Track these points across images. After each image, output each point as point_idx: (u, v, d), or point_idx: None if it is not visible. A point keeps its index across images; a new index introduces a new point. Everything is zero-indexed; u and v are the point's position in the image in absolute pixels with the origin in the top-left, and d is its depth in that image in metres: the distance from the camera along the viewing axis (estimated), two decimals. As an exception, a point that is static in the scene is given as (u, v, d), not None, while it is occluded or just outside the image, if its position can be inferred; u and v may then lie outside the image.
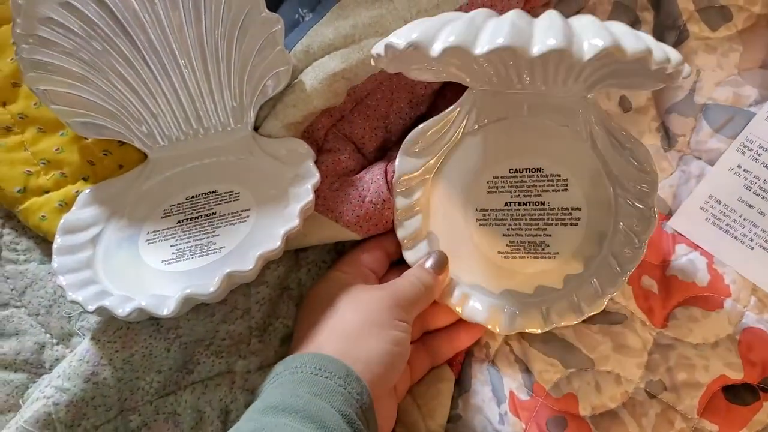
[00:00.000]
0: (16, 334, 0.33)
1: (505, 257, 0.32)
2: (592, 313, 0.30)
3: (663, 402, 0.32)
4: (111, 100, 0.33)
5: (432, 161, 0.33)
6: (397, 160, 0.32)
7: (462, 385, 0.32)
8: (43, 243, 0.35)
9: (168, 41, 0.32)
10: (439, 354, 0.33)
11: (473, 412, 0.32)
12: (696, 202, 0.34)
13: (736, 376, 0.32)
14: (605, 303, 0.30)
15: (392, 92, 0.35)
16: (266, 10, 0.31)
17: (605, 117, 0.32)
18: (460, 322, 0.32)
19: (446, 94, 0.37)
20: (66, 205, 0.34)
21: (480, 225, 0.32)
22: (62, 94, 0.32)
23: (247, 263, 0.28)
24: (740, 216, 0.34)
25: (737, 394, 0.32)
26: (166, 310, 0.27)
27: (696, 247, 0.34)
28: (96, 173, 0.35)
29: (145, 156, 0.35)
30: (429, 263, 0.31)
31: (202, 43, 0.33)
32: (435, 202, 0.33)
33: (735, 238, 0.33)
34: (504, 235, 0.32)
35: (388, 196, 0.32)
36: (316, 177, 0.31)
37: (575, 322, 0.30)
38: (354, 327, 0.28)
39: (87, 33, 0.31)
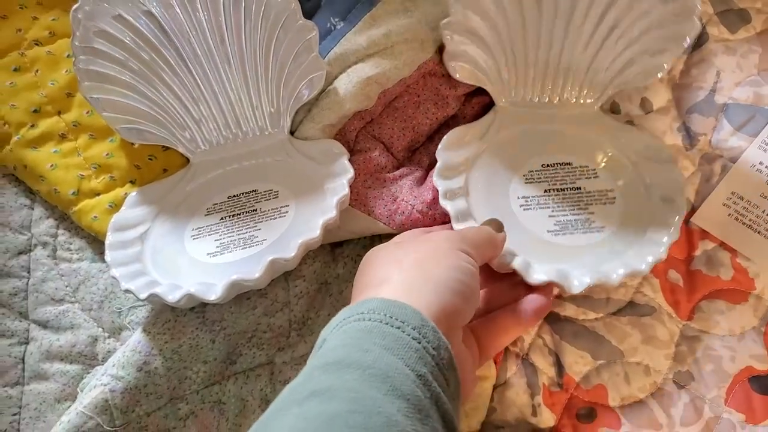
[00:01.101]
0: (71, 327, 0.35)
1: (555, 235, 0.33)
2: (649, 267, 0.31)
3: (691, 392, 0.33)
4: (157, 107, 0.35)
5: (469, 156, 0.35)
6: (437, 153, 0.34)
7: (498, 378, 0.33)
8: (95, 243, 0.37)
9: (210, 50, 0.35)
10: (504, 334, 0.29)
11: (507, 404, 0.33)
12: (719, 199, 0.35)
13: (762, 366, 0.33)
14: (664, 255, 0.31)
15: (419, 95, 0.37)
16: (302, 18, 0.33)
17: (615, 122, 0.36)
18: (524, 301, 0.30)
19: (471, 98, 0.38)
20: (115, 206, 0.36)
21: (524, 210, 0.34)
22: (113, 102, 0.35)
23: (288, 251, 0.30)
24: (763, 211, 0.35)
25: (763, 384, 0.33)
26: (213, 295, 0.29)
27: (720, 242, 0.35)
28: (142, 176, 0.37)
29: (188, 160, 0.37)
30: (492, 226, 0.30)
31: (241, 51, 0.35)
32: (475, 191, 0.34)
33: (758, 232, 0.34)
34: (550, 216, 0.34)
35: (419, 194, 0.34)
36: (350, 172, 0.33)
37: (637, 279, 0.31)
38: (419, 258, 0.25)
39: (136, 44, 0.33)
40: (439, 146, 0.34)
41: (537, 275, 0.30)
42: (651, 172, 0.34)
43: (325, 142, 0.35)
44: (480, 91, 0.38)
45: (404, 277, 0.24)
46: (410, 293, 0.23)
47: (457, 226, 0.32)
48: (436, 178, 0.33)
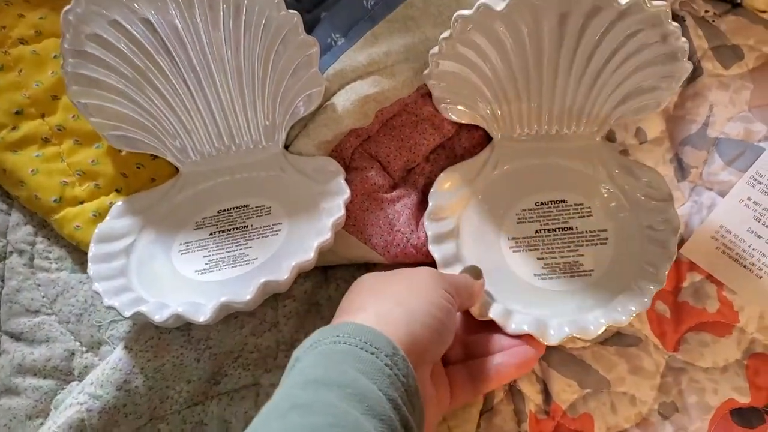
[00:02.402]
0: (47, 341, 0.34)
1: (542, 278, 0.33)
2: (631, 317, 0.31)
3: (675, 423, 0.33)
4: (147, 115, 0.34)
5: (463, 195, 0.35)
6: (430, 195, 0.34)
7: (485, 404, 0.33)
8: (75, 252, 0.36)
9: (206, 59, 0.34)
10: (483, 384, 0.29)
11: (494, 430, 0.33)
12: (707, 232, 0.36)
13: (744, 399, 0.33)
14: (648, 304, 0.31)
15: (417, 115, 0.37)
16: (304, 32, 0.32)
17: (617, 155, 0.36)
18: (507, 354, 0.30)
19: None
20: (100, 216, 0.35)
21: (513, 252, 0.34)
22: (101, 108, 0.34)
23: (281, 273, 0.29)
24: (750, 246, 0.35)
25: (744, 416, 0.33)
26: (202, 316, 0.28)
27: (707, 274, 0.35)
28: (129, 185, 0.36)
29: (177, 170, 0.36)
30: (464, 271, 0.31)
31: (239, 62, 0.34)
32: (465, 233, 0.34)
33: (744, 266, 0.35)
34: (538, 258, 0.33)
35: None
36: (346, 193, 0.32)
37: (623, 324, 0.31)
38: (399, 289, 0.26)
39: (131, 50, 0.32)
40: (433, 188, 0.34)
41: (515, 326, 0.30)
42: (647, 212, 0.34)
43: (321, 159, 0.35)
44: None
45: (380, 307, 0.25)
46: (385, 323, 0.24)
47: (443, 271, 0.32)
48: (426, 222, 0.33)
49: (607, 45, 0.32)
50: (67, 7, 0.31)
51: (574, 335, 0.30)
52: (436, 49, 0.32)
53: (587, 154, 0.36)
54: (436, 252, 0.32)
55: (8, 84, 0.36)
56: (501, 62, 0.34)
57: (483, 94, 0.35)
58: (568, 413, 0.33)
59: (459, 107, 0.35)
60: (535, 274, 0.33)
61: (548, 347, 0.34)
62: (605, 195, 0.35)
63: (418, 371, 0.24)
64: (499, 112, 0.36)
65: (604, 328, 0.30)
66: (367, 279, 0.28)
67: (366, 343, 0.23)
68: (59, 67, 0.36)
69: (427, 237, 0.33)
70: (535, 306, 0.31)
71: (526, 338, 0.30)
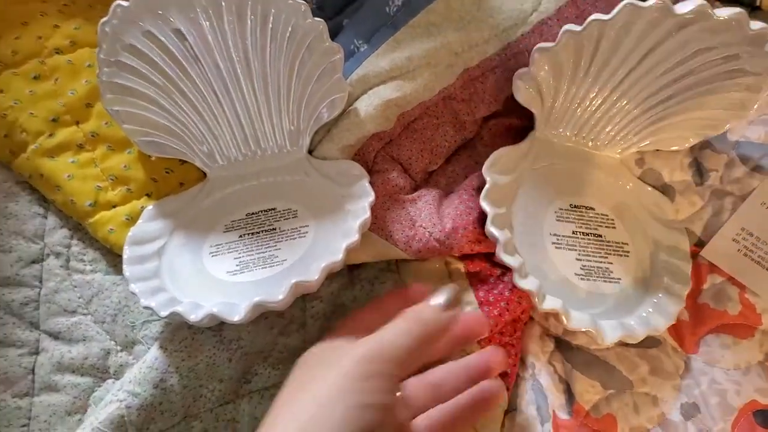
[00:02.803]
0: (84, 340, 0.35)
1: (581, 279, 0.34)
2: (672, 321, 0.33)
3: (697, 424, 0.34)
4: (176, 121, 0.35)
5: (511, 182, 0.36)
6: (484, 173, 0.35)
7: (509, 404, 0.34)
8: (109, 255, 0.37)
9: (234, 67, 0.34)
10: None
11: (517, 431, 0.34)
12: (729, 234, 0.36)
13: (766, 400, 0.34)
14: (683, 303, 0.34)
15: (438, 117, 0.37)
16: (329, 39, 0.33)
17: (633, 177, 0.38)
18: (477, 394, 0.29)
19: (487, 121, 0.39)
20: (132, 219, 0.36)
21: (556, 248, 0.34)
22: (133, 115, 0.35)
23: (311, 274, 0.30)
24: (771, 248, 0.35)
25: (767, 417, 0.34)
26: (237, 316, 0.29)
27: (728, 276, 0.36)
28: (159, 190, 0.37)
29: (204, 175, 0.37)
30: (439, 301, 0.27)
31: (265, 69, 0.34)
32: (515, 221, 0.35)
33: (767, 269, 0.35)
34: (577, 259, 0.34)
35: (437, 221, 0.34)
36: (371, 196, 0.33)
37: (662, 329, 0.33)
38: (315, 405, 0.23)
39: (162, 60, 0.33)
40: (486, 164, 0.35)
41: (574, 323, 0.31)
42: (659, 233, 0.36)
43: (345, 163, 0.35)
44: (496, 115, 0.38)
45: (297, 426, 0.23)
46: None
47: (502, 256, 0.32)
48: (483, 202, 0.33)
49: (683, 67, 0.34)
50: (104, 18, 0.32)
51: (624, 337, 0.31)
52: None
53: (613, 169, 0.38)
54: (499, 234, 0.32)
55: (45, 93, 0.37)
56: (585, 57, 0.35)
57: (556, 83, 0.36)
58: (591, 414, 0.34)
59: (530, 90, 0.36)
60: (575, 273, 0.34)
61: (571, 348, 0.35)
62: (626, 210, 0.37)
63: None
64: (557, 108, 0.37)
65: (648, 331, 0.31)
66: (296, 374, 0.26)
67: None
68: (93, 76, 0.38)
69: (454, 227, 0.34)
70: (577, 305, 0.32)
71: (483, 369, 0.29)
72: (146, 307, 0.31)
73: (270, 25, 0.33)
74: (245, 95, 0.35)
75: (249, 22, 0.33)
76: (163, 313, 0.30)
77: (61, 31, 0.38)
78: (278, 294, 0.29)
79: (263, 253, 0.34)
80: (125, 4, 0.31)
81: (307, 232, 0.34)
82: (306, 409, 0.23)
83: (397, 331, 0.25)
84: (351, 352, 0.24)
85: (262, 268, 0.33)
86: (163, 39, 0.33)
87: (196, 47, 0.34)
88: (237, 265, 0.33)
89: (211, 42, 0.34)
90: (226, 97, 0.35)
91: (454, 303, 0.27)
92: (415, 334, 0.25)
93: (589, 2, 0.36)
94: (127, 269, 0.33)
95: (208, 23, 0.32)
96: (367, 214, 0.32)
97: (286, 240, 0.34)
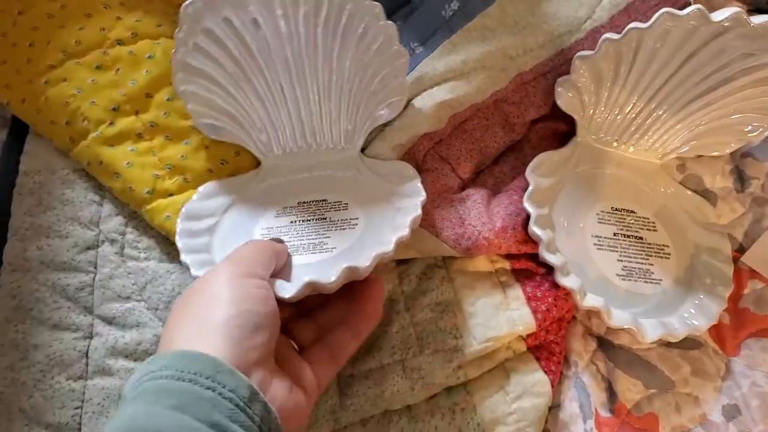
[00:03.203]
0: (137, 325, 0.36)
1: (622, 279, 0.35)
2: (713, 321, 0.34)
3: (738, 425, 0.34)
4: (240, 108, 0.36)
5: (553, 184, 0.37)
6: (527, 175, 0.36)
7: (552, 401, 0.35)
8: (163, 243, 0.38)
9: (301, 60, 0.35)
10: (342, 351, 0.30)
11: (560, 426, 0.34)
12: (769, 241, 0.37)
13: (805, 405, 0.35)
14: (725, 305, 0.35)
15: (488, 119, 0.38)
16: (398, 43, 0.33)
17: (673, 181, 0.39)
18: (355, 313, 0.30)
19: (535, 124, 0.40)
20: (188, 209, 0.37)
21: (597, 249, 0.35)
22: (200, 97, 0.35)
23: (363, 260, 0.30)
24: (811, 256, 0.36)
25: (806, 422, 0.34)
26: (287, 293, 0.29)
27: (768, 282, 0.37)
28: (213, 180, 0.38)
29: (257, 166, 0.38)
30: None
31: (331, 65, 0.35)
32: (557, 222, 0.36)
33: (806, 276, 0.36)
34: (618, 260, 0.35)
35: (487, 220, 0.35)
36: (423, 195, 0.34)
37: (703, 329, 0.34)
38: (202, 305, 0.25)
39: (236, 46, 0.34)
40: (530, 167, 0.36)
41: (615, 320, 0.32)
42: (700, 236, 0.37)
43: (397, 163, 0.36)
44: (543, 118, 0.39)
45: (190, 329, 0.24)
46: (200, 343, 0.23)
47: (545, 254, 0.33)
48: (527, 203, 0.34)
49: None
50: (188, 1, 0.32)
51: (665, 336, 0.32)
52: None
53: (652, 174, 0.39)
54: (542, 234, 0.33)
55: (107, 82, 0.38)
56: (626, 65, 0.36)
57: (597, 90, 0.37)
58: (632, 412, 0.35)
59: (571, 95, 0.37)
60: (617, 274, 0.35)
61: (613, 347, 0.36)
62: (666, 214, 0.38)
63: (254, 374, 0.24)
64: (599, 116, 0.38)
65: (689, 331, 0.31)
66: (174, 307, 0.27)
67: (182, 371, 0.22)
68: (153, 67, 0.39)
69: (503, 226, 0.35)
70: (618, 304, 0.33)
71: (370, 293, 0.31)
72: (196, 278, 0.31)
73: (343, 22, 0.33)
74: (308, 90, 0.36)
75: (323, 17, 0.33)
76: None
77: (123, 23, 0.39)
78: (331, 275, 0.29)
79: (313, 239, 0.34)
80: None
81: (356, 224, 0.35)
82: (191, 318, 0.25)
83: (249, 247, 0.29)
84: (219, 266, 0.27)
85: (312, 253, 0.34)
86: (239, 26, 0.33)
87: (268, 37, 0.34)
88: (288, 248, 0.34)
89: (283, 34, 0.34)
90: (290, 89, 0.36)
91: (279, 240, 0.32)
92: (262, 247, 0.29)
93: (641, 11, 0.37)
94: (179, 241, 0.34)
95: (283, 14, 0.33)
96: (419, 211, 0.33)
97: (336, 230, 0.35)
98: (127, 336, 0.36)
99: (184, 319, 0.25)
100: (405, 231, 0.32)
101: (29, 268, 0.37)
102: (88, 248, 0.37)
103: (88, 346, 0.36)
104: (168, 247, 0.38)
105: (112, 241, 0.38)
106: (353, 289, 0.31)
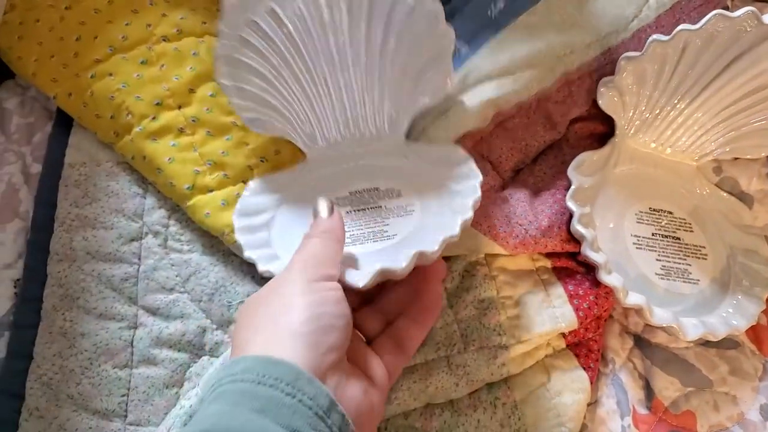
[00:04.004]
0: (181, 317, 0.37)
1: (661, 278, 0.35)
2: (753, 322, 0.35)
3: (776, 425, 0.35)
4: (283, 100, 0.36)
5: (594, 184, 0.37)
6: (569, 175, 0.36)
7: (591, 397, 0.35)
8: (205, 236, 0.38)
9: (345, 48, 0.34)
10: (409, 342, 0.30)
11: (598, 422, 0.35)
12: (807, 243, 0.37)
13: (841, 406, 0.35)
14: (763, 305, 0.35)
15: (529, 117, 0.38)
16: (444, 23, 0.33)
17: (709, 183, 0.39)
18: (417, 302, 0.30)
19: (574, 123, 0.40)
20: (228, 204, 0.37)
21: (636, 248, 0.36)
22: (244, 91, 0.35)
23: (432, 245, 0.29)
24: None
25: (841, 423, 0.35)
26: (361, 282, 0.29)
27: (805, 284, 0.37)
28: (253, 177, 0.38)
29: (298, 161, 0.38)
30: (323, 212, 0.30)
31: (374, 51, 0.34)
32: (599, 220, 0.37)
33: (844, 278, 0.36)
34: (657, 260, 0.36)
35: (533, 219, 0.35)
36: (480, 176, 0.33)
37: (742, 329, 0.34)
38: (274, 310, 0.25)
39: (281, 40, 0.34)
40: (571, 166, 0.36)
41: (657, 319, 0.32)
42: (736, 238, 0.38)
43: (445, 147, 0.36)
44: (580, 119, 0.40)
45: (266, 334, 0.24)
46: (277, 348, 0.23)
47: (588, 252, 0.33)
48: (569, 202, 0.34)
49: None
50: None
51: (705, 335, 0.32)
52: None
53: (688, 174, 0.40)
54: (585, 232, 0.34)
55: (151, 77, 0.38)
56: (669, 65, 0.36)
57: (638, 91, 0.38)
58: (670, 409, 0.35)
59: (614, 96, 0.37)
60: (656, 273, 0.35)
61: (650, 345, 0.36)
62: (703, 215, 0.39)
63: (330, 379, 0.24)
64: (637, 117, 0.39)
65: (729, 330, 0.32)
66: (244, 310, 0.27)
67: (264, 376, 0.22)
68: (197, 64, 0.39)
69: (549, 225, 0.35)
70: (658, 302, 0.33)
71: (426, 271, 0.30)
72: (264, 273, 0.31)
73: (389, 4, 0.33)
74: (352, 77, 0.35)
75: (367, 2, 0.33)
76: None
77: (168, 20, 0.39)
78: (401, 261, 0.29)
79: (372, 228, 0.34)
80: None
81: (413, 210, 0.35)
82: (267, 322, 0.25)
83: (315, 245, 0.29)
84: (290, 272, 0.27)
85: (373, 241, 0.34)
86: (284, 18, 0.33)
87: (313, 28, 0.34)
88: (348, 238, 0.34)
89: (327, 23, 0.33)
90: (333, 78, 0.35)
91: (330, 208, 0.31)
92: (327, 241, 0.29)
93: (686, 11, 0.37)
94: (240, 238, 0.34)
95: (326, 3, 0.33)
96: (479, 192, 0.32)
97: (394, 217, 0.35)
98: (171, 327, 0.36)
99: (259, 324, 0.25)
100: (469, 213, 0.31)
101: (75, 258, 0.37)
102: (132, 240, 0.38)
103: (133, 336, 0.36)
104: (211, 240, 0.38)
105: (156, 233, 0.38)
106: (412, 275, 0.31)
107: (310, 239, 0.29)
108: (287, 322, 0.24)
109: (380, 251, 0.33)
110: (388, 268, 0.29)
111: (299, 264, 0.27)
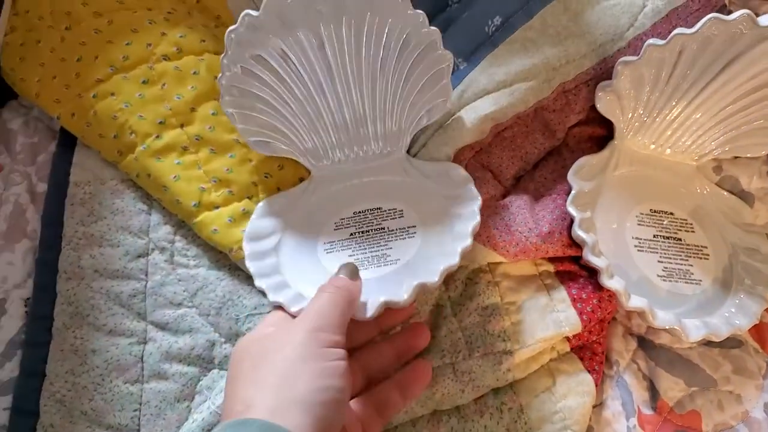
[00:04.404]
0: (190, 331, 0.37)
1: (663, 280, 0.35)
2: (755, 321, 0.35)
3: (780, 422, 0.35)
4: (288, 124, 0.37)
5: (593, 188, 0.37)
6: (569, 180, 0.37)
7: (596, 399, 0.36)
8: (211, 251, 0.39)
9: (346, 72, 0.35)
10: (390, 410, 0.30)
11: (603, 424, 0.35)
12: (807, 240, 0.38)
13: None
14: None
15: (528, 126, 0.39)
16: (442, 48, 0.34)
17: (709, 183, 0.40)
18: (409, 376, 0.31)
19: (572, 129, 0.40)
20: (235, 221, 0.37)
21: (638, 251, 0.36)
22: (248, 116, 0.36)
23: (432, 275, 0.31)
24: None
25: None
26: (368, 313, 0.30)
27: (806, 281, 0.37)
28: (258, 193, 0.39)
29: (301, 179, 0.39)
30: (341, 273, 0.31)
31: (375, 74, 0.35)
32: (599, 224, 0.37)
33: None
34: (659, 261, 0.36)
35: (533, 226, 0.36)
36: (479, 199, 0.34)
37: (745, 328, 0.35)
38: (281, 373, 0.25)
39: (283, 68, 0.34)
40: (571, 171, 0.37)
41: (659, 321, 0.33)
42: (738, 237, 0.38)
43: (445, 164, 0.37)
44: (580, 123, 0.40)
45: (269, 401, 0.24)
46: (280, 416, 0.24)
47: (590, 257, 0.34)
48: (571, 207, 0.35)
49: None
50: (231, 28, 0.33)
51: (708, 336, 0.33)
52: None
53: (689, 175, 0.40)
54: (586, 237, 0.34)
55: (153, 97, 0.39)
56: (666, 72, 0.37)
57: (637, 95, 0.38)
58: (675, 409, 0.35)
59: (612, 99, 0.37)
60: (658, 275, 0.35)
61: (654, 347, 0.37)
62: (704, 215, 0.39)
63: None
64: (636, 120, 0.39)
65: (732, 330, 0.32)
66: (241, 355, 0.27)
67: None
68: (198, 83, 0.40)
69: (550, 231, 0.35)
70: (660, 304, 0.34)
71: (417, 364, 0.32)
72: (274, 303, 0.32)
73: (385, 35, 0.34)
74: (353, 99, 0.36)
75: (365, 31, 0.33)
76: (294, 309, 0.32)
77: (168, 39, 0.40)
78: (402, 293, 0.31)
79: (375, 251, 0.35)
80: (254, 14, 0.32)
81: (415, 233, 0.36)
82: (272, 383, 0.25)
83: (326, 302, 0.28)
84: (297, 328, 0.27)
85: (377, 266, 0.35)
86: (285, 49, 0.34)
87: (313, 55, 0.34)
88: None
89: (327, 49, 0.34)
90: (335, 100, 0.36)
91: (354, 273, 0.31)
92: (339, 300, 0.29)
93: (682, 17, 0.37)
94: (250, 266, 0.35)
95: (327, 34, 0.33)
96: (478, 218, 0.33)
97: (396, 240, 0.36)
98: (180, 341, 0.37)
99: (261, 381, 0.25)
100: (468, 241, 0.33)
101: (83, 276, 0.38)
102: (139, 256, 0.39)
103: (143, 351, 0.37)
104: (217, 255, 0.39)
105: (162, 249, 0.39)
106: (398, 334, 0.33)
107: (323, 294, 0.29)
108: (292, 389, 0.24)
109: (383, 278, 0.34)
110: (390, 300, 0.30)
111: (307, 323, 0.27)
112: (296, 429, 0.23)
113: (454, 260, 0.32)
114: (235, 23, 0.32)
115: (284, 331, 0.27)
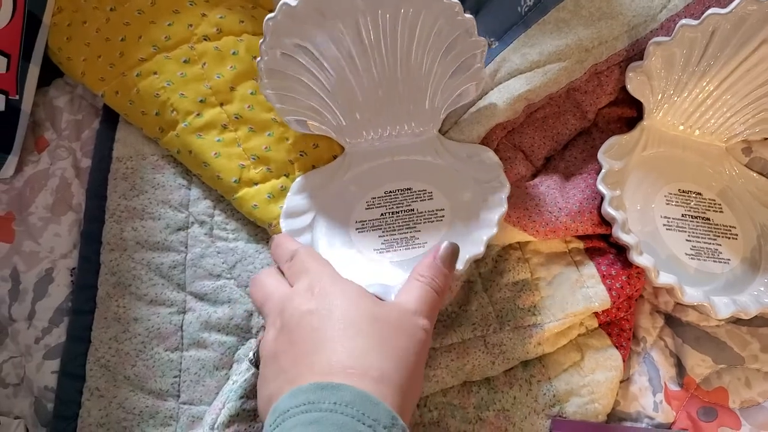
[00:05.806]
0: (229, 302, 0.38)
1: (691, 258, 0.36)
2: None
3: (808, 400, 0.35)
4: (324, 103, 0.37)
5: (623, 168, 0.38)
6: (599, 158, 0.37)
7: (623, 374, 0.36)
8: (250, 225, 0.40)
9: (382, 57, 0.36)
10: None
11: (630, 399, 0.36)
12: (837, 223, 0.38)
13: None
14: None
15: (560, 106, 0.39)
16: (476, 34, 0.34)
17: (738, 164, 0.40)
18: None
19: (602, 109, 0.41)
20: (274, 197, 0.39)
21: (666, 229, 0.37)
22: (285, 97, 0.37)
23: (458, 264, 0.32)
24: None
25: None
26: (460, 266, 0.32)
27: (835, 263, 0.37)
28: (294, 171, 0.40)
29: (334, 157, 0.40)
30: (441, 254, 0.31)
31: (410, 57, 0.36)
32: (628, 203, 0.38)
33: None
34: (687, 240, 0.36)
35: (564, 205, 0.36)
36: (507, 187, 0.35)
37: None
38: (383, 340, 0.26)
39: (322, 56, 0.35)
40: (601, 150, 0.37)
41: (688, 297, 0.33)
42: (766, 218, 0.38)
43: (475, 146, 0.37)
44: (610, 104, 0.40)
45: (373, 368, 0.25)
46: (381, 389, 0.24)
47: (619, 234, 0.34)
48: (601, 185, 0.36)
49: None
50: (270, 15, 0.33)
51: (737, 313, 0.33)
52: None
53: (717, 157, 0.40)
54: (617, 215, 0.35)
55: (194, 76, 0.40)
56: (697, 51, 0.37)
57: (666, 75, 0.38)
58: (702, 386, 0.36)
59: (643, 79, 0.38)
60: (686, 253, 0.36)
61: (681, 324, 0.37)
62: (732, 195, 0.39)
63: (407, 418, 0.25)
64: (665, 101, 0.39)
65: (761, 308, 0.33)
66: (343, 317, 0.27)
67: (364, 414, 0.23)
68: (237, 62, 0.41)
69: (580, 209, 0.36)
70: (689, 282, 0.34)
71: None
72: None
73: (419, 23, 0.34)
74: (388, 80, 0.37)
75: (400, 20, 0.34)
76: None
77: (208, 20, 0.41)
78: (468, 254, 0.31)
79: (405, 233, 0.36)
80: (292, 3, 0.32)
81: (443, 216, 0.36)
82: (383, 345, 0.26)
83: (423, 292, 0.30)
84: (393, 308, 0.29)
85: (405, 248, 0.35)
86: (322, 37, 0.34)
87: (350, 41, 0.35)
88: (382, 244, 0.36)
89: (363, 33, 0.35)
90: (370, 81, 0.37)
91: (453, 259, 0.31)
92: (435, 291, 0.30)
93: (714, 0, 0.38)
94: None
95: (363, 23, 0.34)
96: (505, 206, 0.34)
97: (425, 222, 0.36)
98: (219, 311, 0.38)
99: (367, 351, 0.26)
100: (494, 230, 0.33)
101: (126, 248, 0.39)
102: (179, 229, 0.40)
103: (183, 320, 0.38)
104: (255, 229, 0.40)
105: (202, 223, 0.40)
106: None
107: (423, 282, 0.30)
108: (399, 365, 0.26)
109: (412, 260, 0.35)
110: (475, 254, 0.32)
111: (412, 304, 0.29)
112: (390, 402, 0.24)
113: (479, 249, 0.32)
114: (272, 5, 0.33)
115: (383, 309, 0.28)
